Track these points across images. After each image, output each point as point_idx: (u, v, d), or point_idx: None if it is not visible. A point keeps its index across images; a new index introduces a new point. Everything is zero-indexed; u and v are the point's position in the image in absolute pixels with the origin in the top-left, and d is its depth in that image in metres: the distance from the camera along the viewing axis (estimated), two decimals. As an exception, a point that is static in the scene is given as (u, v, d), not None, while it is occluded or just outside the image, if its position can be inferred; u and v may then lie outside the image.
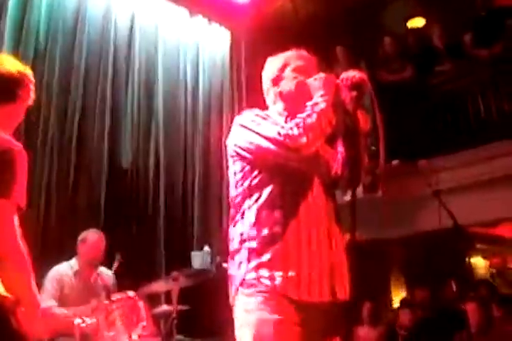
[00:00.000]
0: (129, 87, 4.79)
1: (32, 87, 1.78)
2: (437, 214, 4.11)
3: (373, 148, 1.73)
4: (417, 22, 6.83)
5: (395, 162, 5.50)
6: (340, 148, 1.79)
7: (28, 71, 1.78)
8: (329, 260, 1.61)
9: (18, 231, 1.55)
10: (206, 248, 4.63)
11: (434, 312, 4.95)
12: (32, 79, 1.78)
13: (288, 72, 1.80)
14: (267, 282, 1.54)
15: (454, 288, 4.79)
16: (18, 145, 1.56)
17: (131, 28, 4.92)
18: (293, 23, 5.92)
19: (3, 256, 1.52)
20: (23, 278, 1.56)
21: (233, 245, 1.66)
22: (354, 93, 1.63)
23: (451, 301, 4.90)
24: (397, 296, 6.49)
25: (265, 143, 1.60)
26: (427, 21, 6.69)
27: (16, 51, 3.92)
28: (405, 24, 6.86)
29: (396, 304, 6.11)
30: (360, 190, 5.15)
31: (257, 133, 1.63)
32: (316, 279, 1.58)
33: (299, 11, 6.03)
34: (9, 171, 1.49)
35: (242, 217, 1.65)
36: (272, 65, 1.86)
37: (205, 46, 5.58)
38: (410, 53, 6.08)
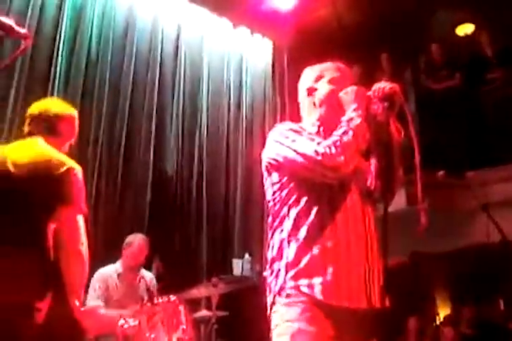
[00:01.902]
0: (175, 97, 4.93)
1: (71, 122, 2.14)
2: (485, 228, 3.96)
3: (415, 159, 1.71)
4: (466, 28, 6.65)
5: (441, 173, 5.36)
6: (373, 160, 1.77)
7: (73, 111, 2.16)
8: (366, 267, 1.60)
9: (83, 231, 1.90)
10: (247, 256, 4.66)
11: (479, 330, 4.77)
12: (69, 115, 2.14)
13: (323, 83, 1.81)
14: (306, 290, 1.54)
15: (502, 306, 4.58)
16: (75, 164, 1.97)
17: (177, 39, 5.08)
18: (336, 31, 5.90)
19: (70, 253, 1.84)
20: (82, 273, 1.86)
21: (272, 253, 1.66)
22: (386, 104, 1.62)
23: (498, 319, 4.70)
24: (442, 312, 6.28)
25: (301, 161, 1.59)
26: (476, 27, 6.51)
27: (70, 61, 4.14)
28: (454, 31, 6.70)
29: (440, 320, 5.91)
30: (404, 201, 5.05)
31: (294, 150, 1.62)
32: (355, 285, 1.57)
33: (342, 19, 6.01)
34: (72, 185, 1.91)
35: (281, 225, 1.66)
36: (308, 75, 1.87)
37: (248, 56, 5.68)
38: (459, 60, 5.94)
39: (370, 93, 1.67)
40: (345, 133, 1.60)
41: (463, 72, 5.72)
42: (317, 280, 1.54)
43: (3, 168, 1.91)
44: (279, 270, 1.60)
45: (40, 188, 1.86)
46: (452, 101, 5.58)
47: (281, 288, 1.57)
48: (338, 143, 1.58)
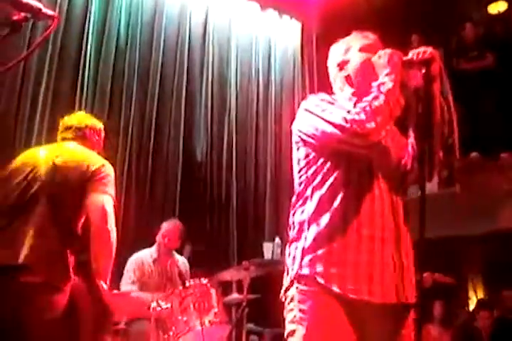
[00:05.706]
0: (204, 81, 4.93)
1: (99, 134, 2.41)
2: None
3: (451, 139, 1.61)
4: (499, 6, 6.40)
5: (473, 155, 5.24)
6: (411, 138, 1.67)
7: (99, 124, 2.43)
8: (395, 259, 1.51)
9: (113, 219, 2.00)
10: (277, 239, 4.67)
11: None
12: (99, 128, 2.41)
13: (353, 52, 1.71)
14: (322, 281, 1.46)
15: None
16: (107, 163, 2.17)
17: (205, 23, 5.06)
18: (365, 11, 5.75)
19: (98, 239, 1.91)
20: (110, 258, 1.92)
21: (292, 233, 1.59)
22: (423, 70, 1.51)
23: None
24: (474, 297, 6.19)
25: (330, 129, 1.51)
26: (509, 5, 6.25)
27: (99, 47, 4.18)
28: (486, 9, 6.45)
29: (472, 305, 5.84)
30: (436, 184, 4.95)
31: (322, 118, 1.54)
32: (378, 278, 1.47)
33: (371, -1, 5.85)
34: (102, 177, 2.06)
35: (303, 206, 1.58)
36: (335, 51, 1.78)
37: (276, 39, 5.63)
38: (491, 40, 5.74)
39: (407, 58, 1.56)
40: (375, 98, 1.50)
41: (495, 51, 5.52)
42: (334, 271, 1.46)
43: (50, 165, 2.12)
44: (296, 254, 1.54)
45: (73, 187, 2.02)
46: (485, 82, 5.41)
47: (298, 274, 1.51)
48: (367, 108, 1.48)
